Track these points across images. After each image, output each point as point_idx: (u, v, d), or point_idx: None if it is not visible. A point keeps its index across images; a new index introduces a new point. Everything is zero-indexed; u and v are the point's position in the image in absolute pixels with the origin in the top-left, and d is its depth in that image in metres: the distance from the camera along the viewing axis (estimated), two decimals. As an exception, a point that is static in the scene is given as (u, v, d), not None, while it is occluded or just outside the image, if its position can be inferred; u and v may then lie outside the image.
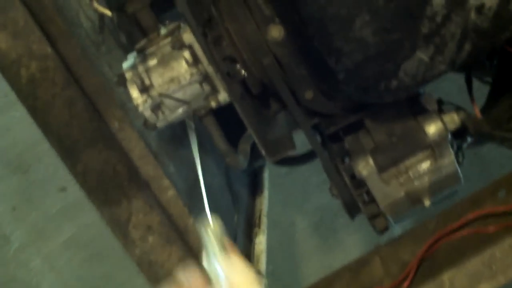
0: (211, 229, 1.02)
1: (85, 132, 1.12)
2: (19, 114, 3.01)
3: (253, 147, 1.63)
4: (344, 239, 3.02)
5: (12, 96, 3.12)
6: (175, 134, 1.63)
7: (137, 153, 1.22)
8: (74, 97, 1.10)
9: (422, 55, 1.10)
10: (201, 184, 1.22)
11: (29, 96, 1.09)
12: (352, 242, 2.96)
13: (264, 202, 1.85)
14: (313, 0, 1.09)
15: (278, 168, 2.15)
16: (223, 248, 1.00)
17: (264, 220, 1.76)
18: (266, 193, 1.90)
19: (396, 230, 1.58)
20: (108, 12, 1.22)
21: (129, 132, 1.21)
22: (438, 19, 1.07)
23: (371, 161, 1.32)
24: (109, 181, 1.14)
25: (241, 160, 1.52)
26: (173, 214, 1.24)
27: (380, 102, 1.22)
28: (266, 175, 1.98)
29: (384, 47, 1.09)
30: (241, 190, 1.85)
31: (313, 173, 2.90)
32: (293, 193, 3.06)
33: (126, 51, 1.51)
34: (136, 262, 1.17)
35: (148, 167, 1.22)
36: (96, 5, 1.19)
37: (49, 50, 1.07)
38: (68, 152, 1.13)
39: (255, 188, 1.94)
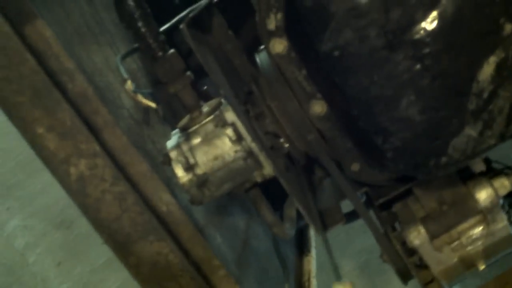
0: None
1: (136, 226, 1.12)
2: (61, 170, 3.04)
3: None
4: (392, 280, 2.96)
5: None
6: (220, 204, 1.63)
7: (186, 235, 1.22)
8: (124, 191, 1.11)
9: (471, 131, 1.08)
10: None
11: (79, 194, 1.10)
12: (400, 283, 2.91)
13: (312, 262, 1.84)
14: (356, 82, 1.09)
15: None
16: None
17: (314, 283, 1.74)
18: (313, 252, 1.88)
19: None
20: (152, 105, 1.23)
21: (178, 215, 1.21)
22: (485, 95, 1.06)
23: (422, 230, 1.31)
24: (162, 271, 1.14)
25: (288, 228, 1.51)
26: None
27: (430, 178, 1.21)
28: (312, 233, 1.96)
29: (432, 126, 1.08)
30: (288, 250, 1.84)
31: (356, 216, 2.87)
32: (336, 236, 3.03)
33: (169, 125, 1.52)
34: None
35: (198, 249, 1.22)
36: (140, 98, 1.20)
37: (97, 148, 1.08)
38: (120, 246, 1.14)
39: (301, 247, 1.92)
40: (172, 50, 1.33)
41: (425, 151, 1.11)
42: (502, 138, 1.10)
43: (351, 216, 1.74)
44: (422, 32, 1.03)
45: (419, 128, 1.08)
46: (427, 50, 1.04)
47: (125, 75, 1.22)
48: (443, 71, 1.05)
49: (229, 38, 1.42)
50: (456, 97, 1.06)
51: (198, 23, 1.30)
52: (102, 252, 3.22)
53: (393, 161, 1.14)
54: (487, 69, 1.05)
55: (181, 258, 1.15)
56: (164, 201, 1.20)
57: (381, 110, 1.09)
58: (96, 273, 3.27)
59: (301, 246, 1.93)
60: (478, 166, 1.35)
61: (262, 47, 1.35)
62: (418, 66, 1.05)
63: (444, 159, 1.11)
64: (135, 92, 1.19)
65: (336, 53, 1.07)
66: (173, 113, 1.47)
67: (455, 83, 1.05)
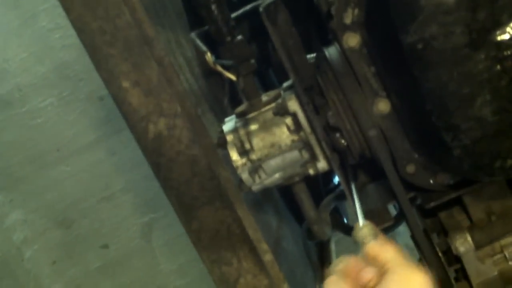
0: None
1: (205, 191, 1.13)
2: (69, 169, 3.05)
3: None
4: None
5: (64, 150, 3.14)
6: (257, 200, 1.64)
7: (241, 213, 1.23)
8: (198, 155, 1.12)
9: (540, 137, 1.11)
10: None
11: (154, 152, 1.11)
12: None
13: (333, 273, 1.84)
14: (435, 77, 1.12)
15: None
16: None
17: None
18: (334, 264, 1.89)
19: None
20: (233, 77, 1.26)
21: (234, 192, 1.22)
22: (559, 102, 1.10)
23: (469, 238, 1.33)
24: (223, 240, 1.15)
25: (327, 229, 1.53)
26: (271, 278, 1.24)
27: (490, 181, 1.23)
28: (333, 247, 1.97)
29: (503, 127, 1.11)
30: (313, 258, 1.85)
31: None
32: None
33: (218, 115, 1.54)
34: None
35: (249, 229, 1.23)
36: (221, 69, 1.23)
37: (178, 109, 1.10)
38: (185, 209, 1.14)
39: (323, 260, 1.93)
40: (240, 37, 1.36)
41: (493, 151, 1.14)
42: None
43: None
44: (506, 34, 1.07)
45: (491, 128, 1.12)
46: (508, 52, 1.08)
47: (204, 48, 1.25)
48: (521, 75, 1.09)
49: (292, 35, 1.45)
50: (530, 101, 1.10)
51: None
52: (98, 256, 3.21)
53: (459, 159, 1.17)
54: None
55: (242, 230, 1.16)
56: (223, 177, 1.21)
57: (456, 107, 1.12)
58: (90, 277, 3.24)
59: (322, 258, 1.94)
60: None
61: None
62: (497, 67, 1.09)
63: (510, 162, 1.14)
64: (215, 63, 1.22)
65: (420, 45, 1.11)
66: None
67: (531, 87, 1.09)
